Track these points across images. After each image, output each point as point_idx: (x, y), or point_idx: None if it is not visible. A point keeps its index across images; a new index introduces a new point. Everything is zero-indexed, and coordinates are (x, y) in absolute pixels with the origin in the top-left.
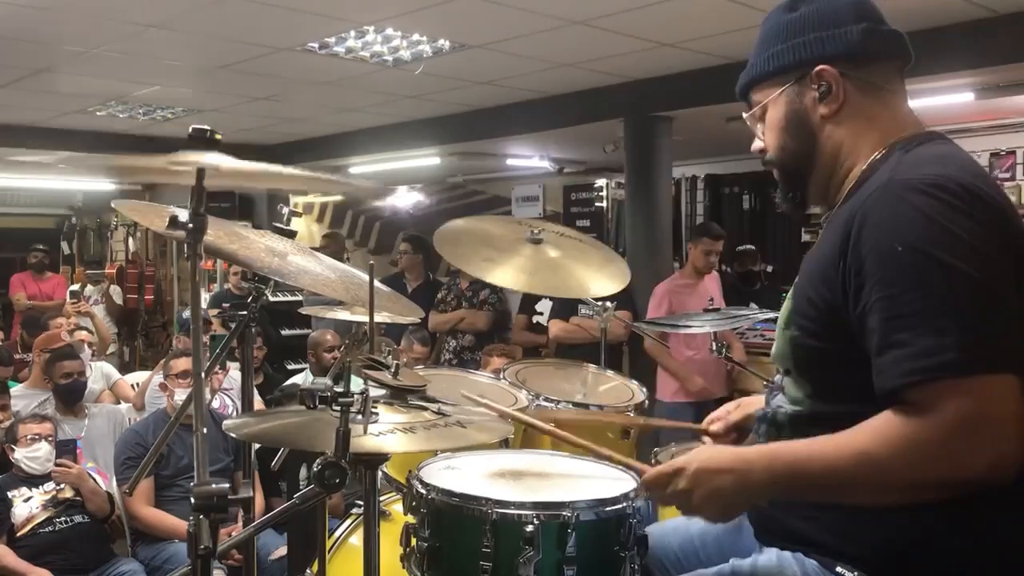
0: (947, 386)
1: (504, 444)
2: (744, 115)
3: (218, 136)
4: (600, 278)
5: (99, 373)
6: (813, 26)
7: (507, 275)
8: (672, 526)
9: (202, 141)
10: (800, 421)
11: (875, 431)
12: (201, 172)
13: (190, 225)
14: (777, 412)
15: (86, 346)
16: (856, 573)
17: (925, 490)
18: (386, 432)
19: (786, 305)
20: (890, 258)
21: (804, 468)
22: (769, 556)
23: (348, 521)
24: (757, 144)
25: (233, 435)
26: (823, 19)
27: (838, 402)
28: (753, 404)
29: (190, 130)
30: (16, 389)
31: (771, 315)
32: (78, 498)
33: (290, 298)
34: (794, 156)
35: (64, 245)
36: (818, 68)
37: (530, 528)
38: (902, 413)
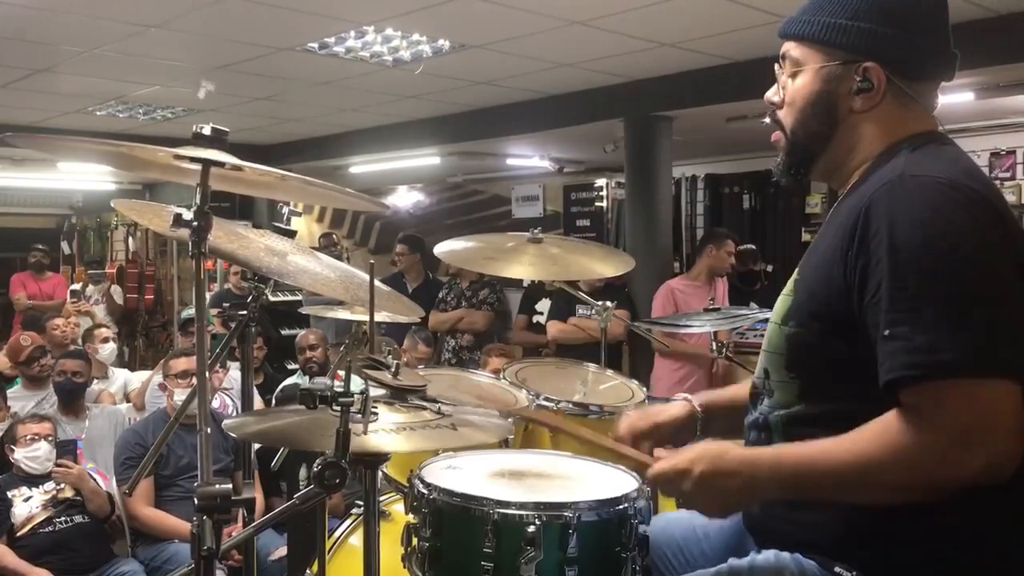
0: (944, 387)
1: (504, 444)
2: (776, 66)
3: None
4: (602, 265)
5: (121, 380)
6: (886, 17)
7: (509, 268)
8: (675, 516)
9: (210, 140)
10: (792, 423)
11: (875, 434)
12: (207, 168)
13: (194, 223)
14: (768, 416)
15: (112, 343)
16: (854, 573)
17: (921, 492)
18: (386, 431)
19: (784, 301)
20: (898, 251)
21: (808, 471)
22: (767, 556)
23: (348, 521)
24: (773, 94)
25: (234, 436)
26: (899, 13)
27: (830, 401)
28: (655, 414)
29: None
30: (14, 390)
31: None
32: (78, 498)
33: (290, 298)
34: (810, 135)
35: (64, 245)
36: (868, 64)
37: (532, 528)
38: (901, 416)
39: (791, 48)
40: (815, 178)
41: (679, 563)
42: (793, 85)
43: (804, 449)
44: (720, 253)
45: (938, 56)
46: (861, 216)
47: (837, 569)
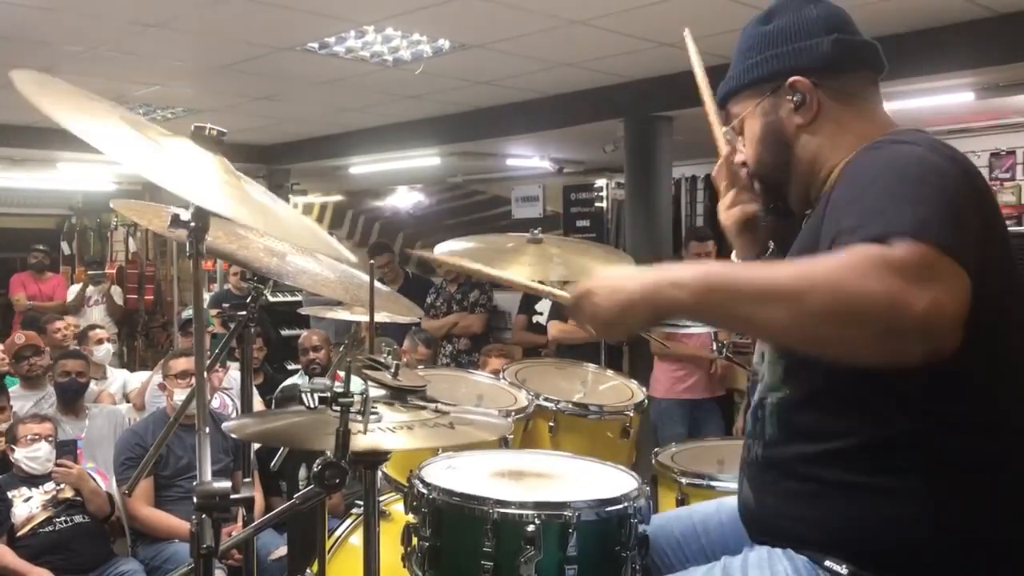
0: (903, 240)
1: (504, 443)
2: (724, 129)
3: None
4: (603, 265)
5: (121, 380)
6: (786, 38)
7: (509, 269)
8: (675, 514)
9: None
10: (782, 408)
11: (823, 258)
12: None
13: (192, 224)
14: (763, 402)
15: (108, 344)
16: (844, 566)
17: (852, 324)
18: (385, 430)
19: None
20: (857, 185)
21: (730, 275)
22: (759, 553)
23: (348, 521)
24: (739, 157)
25: (234, 436)
26: (796, 31)
27: (809, 382)
28: None
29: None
30: (13, 389)
31: None
32: (78, 498)
33: (290, 298)
34: (771, 168)
35: (64, 245)
36: (791, 79)
37: (531, 528)
38: (855, 249)
39: (732, 107)
40: (796, 207)
41: (677, 559)
42: (746, 137)
43: (738, 264)
44: (688, 257)
45: (850, 49)
46: (829, 199)
47: (827, 563)
